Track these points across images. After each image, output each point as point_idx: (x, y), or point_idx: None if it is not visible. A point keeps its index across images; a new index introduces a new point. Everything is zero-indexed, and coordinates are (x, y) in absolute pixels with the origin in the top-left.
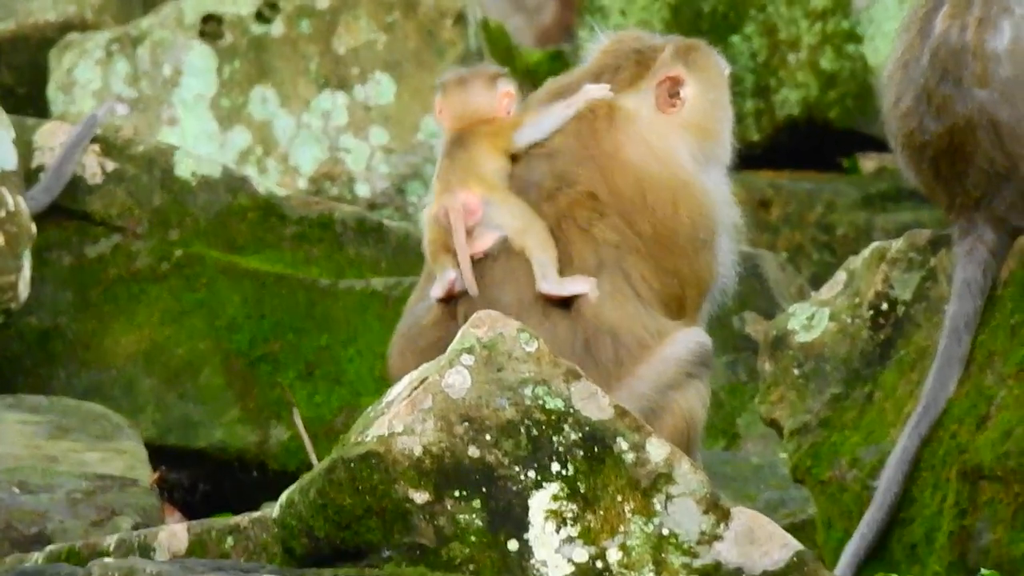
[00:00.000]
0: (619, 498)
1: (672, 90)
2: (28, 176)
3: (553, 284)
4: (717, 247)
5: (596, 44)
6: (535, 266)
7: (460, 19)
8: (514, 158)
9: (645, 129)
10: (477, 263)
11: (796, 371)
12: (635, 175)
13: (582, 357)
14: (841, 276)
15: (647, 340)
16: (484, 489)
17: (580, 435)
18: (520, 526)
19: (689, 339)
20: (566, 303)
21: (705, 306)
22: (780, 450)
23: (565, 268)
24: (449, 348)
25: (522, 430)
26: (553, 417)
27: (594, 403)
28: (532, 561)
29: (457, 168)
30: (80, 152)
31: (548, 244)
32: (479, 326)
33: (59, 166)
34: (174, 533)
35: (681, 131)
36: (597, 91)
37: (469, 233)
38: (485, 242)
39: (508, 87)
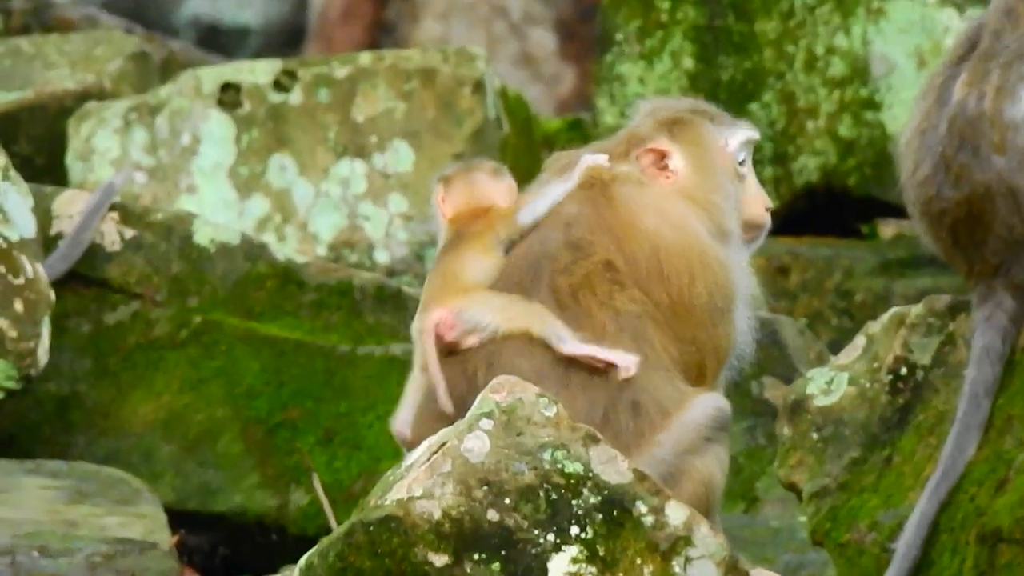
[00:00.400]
0: (638, 561)
1: (659, 163)
2: (46, 244)
3: (572, 345)
4: (735, 316)
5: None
6: (547, 339)
7: (478, 88)
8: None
9: (657, 197)
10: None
11: (815, 435)
12: (651, 243)
13: (601, 428)
14: (860, 341)
15: (669, 409)
16: (503, 552)
17: (599, 498)
18: None
19: (708, 404)
20: (591, 373)
21: (723, 373)
22: (799, 514)
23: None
24: (468, 413)
25: (541, 494)
26: (572, 481)
27: (613, 467)
28: None
29: (439, 277)
30: (98, 220)
31: (546, 315)
32: (498, 391)
33: (77, 234)
34: None
35: (686, 201)
36: (593, 161)
37: (452, 346)
38: (473, 342)
39: (510, 180)
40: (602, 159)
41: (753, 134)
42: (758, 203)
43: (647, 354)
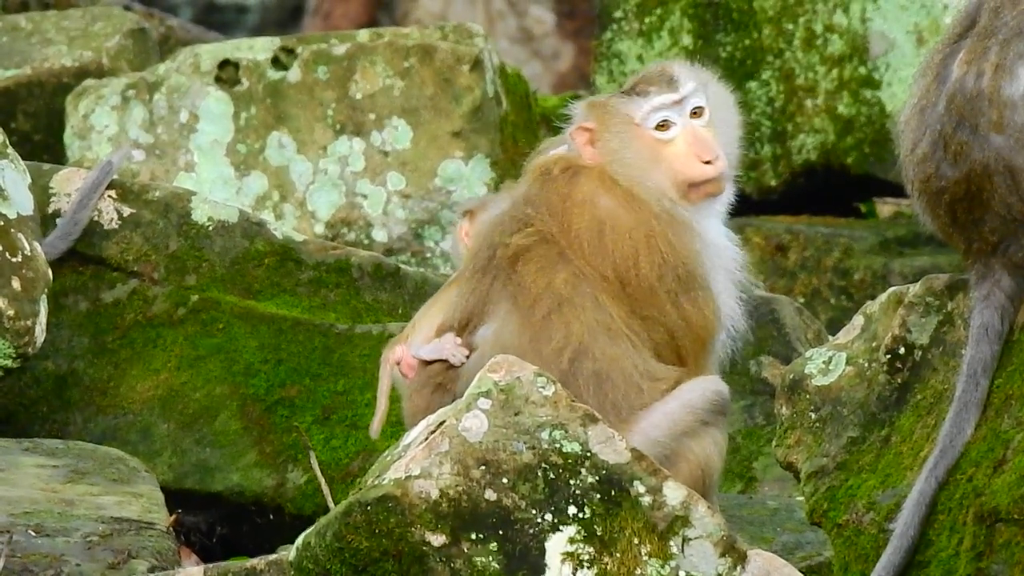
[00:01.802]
0: (636, 541)
1: (594, 141)
2: (44, 221)
3: (415, 349)
4: (705, 295)
5: None
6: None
7: (477, 65)
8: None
9: (601, 176)
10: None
11: (813, 415)
12: (596, 218)
13: None
14: (858, 320)
15: (637, 381)
16: (501, 532)
17: (597, 478)
18: (537, 569)
19: (706, 387)
20: (547, 340)
21: (710, 356)
22: (797, 493)
23: (535, 306)
24: (466, 392)
25: (539, 473)
26: (570, 460)
27: (611, 447)
28: None
29: (424, 308)
30: (95, 199)
31: (422, 327)
32: (496, 370)
33: (75, 212)
34: None
35: (622, 178)
36: (551, 154)
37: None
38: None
39: None
40: (560, 150)
41: (666, 98)
42: (689, 161)
43: (605, 323)
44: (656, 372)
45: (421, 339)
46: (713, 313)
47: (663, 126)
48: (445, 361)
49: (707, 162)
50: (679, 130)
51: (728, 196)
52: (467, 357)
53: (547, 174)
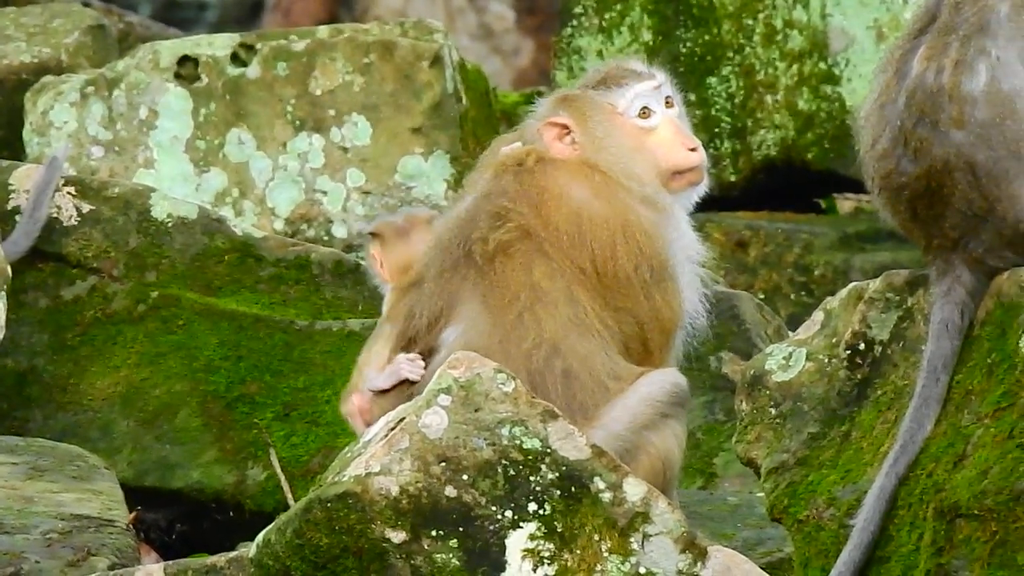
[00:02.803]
0: (596, 537)
1: (563, 136)
2: (3, 218)
3: (373, 383)
4: (674, 287)
5: None
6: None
7: (437, 61)
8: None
9: (573, 168)
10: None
11: (773, 410)
12: (573, 211)
13: None
14: (818, 316)
15: (603, 379)
16: (461, 529)
17: (557, 475)
18: (497, 566)
19: (665, 380)
20: (518, 340)
21: (672, 348)
22: (757, 489)
23: (509, 305)
24: (426, 388)
25: (499, 470)
26: (530, 457)
27: (571, 443)
28: None
29: (369, 346)
30: (50, 194)
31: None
32: (456, 367)
33: (32, 211)
34: (150, 573)
35: (597, 170)
36: (508, 150)
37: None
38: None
39: None
40: (516, 146)
41: (646, 85)
42: (675, 148)
43: (578, 318)
44: (621, 372)
45: (374, 371)
46: (679, 305)
47: (644, 114)
48: (405, 381)
49: (692, 149)
50: (660, 118)
51: (705, 187)
52: (424, 368)
53: (520, 166)
